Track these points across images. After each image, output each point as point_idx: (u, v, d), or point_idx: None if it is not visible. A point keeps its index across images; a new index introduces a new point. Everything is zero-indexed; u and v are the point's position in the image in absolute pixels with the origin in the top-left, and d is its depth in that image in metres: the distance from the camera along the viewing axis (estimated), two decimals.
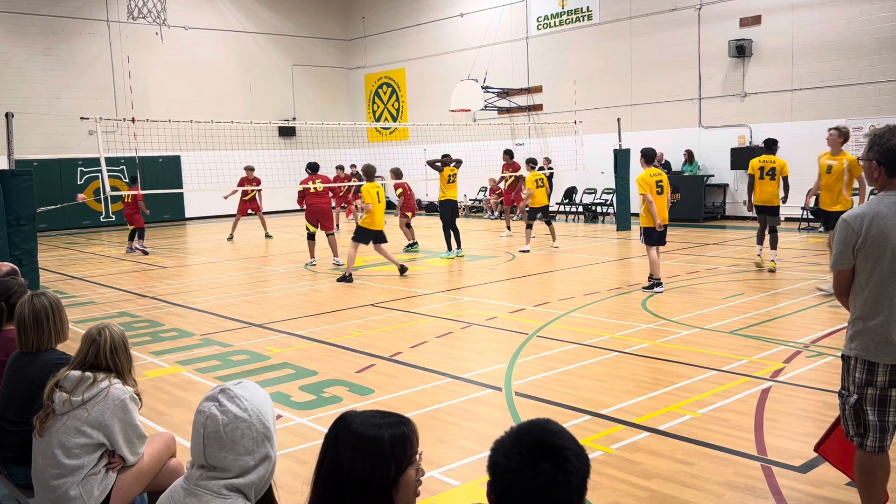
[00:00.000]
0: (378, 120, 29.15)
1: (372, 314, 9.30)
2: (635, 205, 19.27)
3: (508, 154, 18.20)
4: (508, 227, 17.66)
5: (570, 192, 22.32)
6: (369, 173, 12.38)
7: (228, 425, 2.06)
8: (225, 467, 2.08)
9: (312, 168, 14.48)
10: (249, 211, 19.41)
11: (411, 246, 15.54)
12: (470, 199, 25.56)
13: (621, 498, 4.11)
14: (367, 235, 11.99)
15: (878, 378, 3.39)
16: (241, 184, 18.85)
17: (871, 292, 3.40)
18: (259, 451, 2.11)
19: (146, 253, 16.44)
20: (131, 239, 16.82)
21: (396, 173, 15.47)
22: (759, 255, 11.45)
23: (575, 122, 20.04)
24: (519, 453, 1.58)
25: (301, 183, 14.37)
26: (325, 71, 29.45)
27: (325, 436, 1.96)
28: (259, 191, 19.25)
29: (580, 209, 21.93)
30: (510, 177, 17.78)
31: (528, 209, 14.92)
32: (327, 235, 13.94)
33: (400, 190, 16.11)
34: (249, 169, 18.93)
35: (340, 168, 20.82)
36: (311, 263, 13.76)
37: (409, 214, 15.99)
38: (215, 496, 2.07)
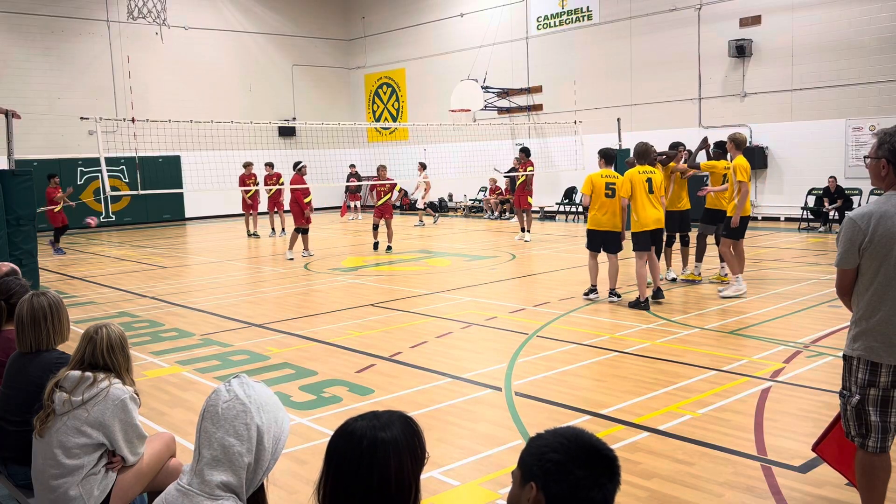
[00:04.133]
0: (378, 120, 29.15)
1: (372, 314, 9.30)
2: None
3: (525, 152, 17.66)
4: (524, 230, 17.20)
5: (569, 192, 22.31)
6: (642, 154, 9.47)
7: (228, 402, 2.09)
8: (212, 448, 2.08)
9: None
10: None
11: (387, 248, 15.45)
12: (470, 199, 25.58)
13: (621, 498, 4.09)
14: (646, 239, 9.34)
15: (881, 378, 3.39)
16: (242, 181, 19.46)
17: (874, 292, 3.39)
18: (248, 442, 2.09)
19: (61, 253, 17.04)
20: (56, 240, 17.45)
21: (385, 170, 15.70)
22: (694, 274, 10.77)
23: (575, 122, 20.04)
24: (582, 453, 1.64)
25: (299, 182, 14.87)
26: (325, 71, 29.45)
27: (348, 455, 1.84)
28: (258, 189, 19.43)
29: (580, 209, 21.93)
30: (521, 175, 17.29)
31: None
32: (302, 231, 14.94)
33: (398, 187, 16.14)
34: (249, 165, 19.76)
35: (270, 165, 20.17)
36: (308, 254, 14.92)
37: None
38: (207, 497, 2.07)
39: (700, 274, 10.69)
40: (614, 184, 9.39)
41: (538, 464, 1.64)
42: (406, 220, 22.83)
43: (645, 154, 9.39)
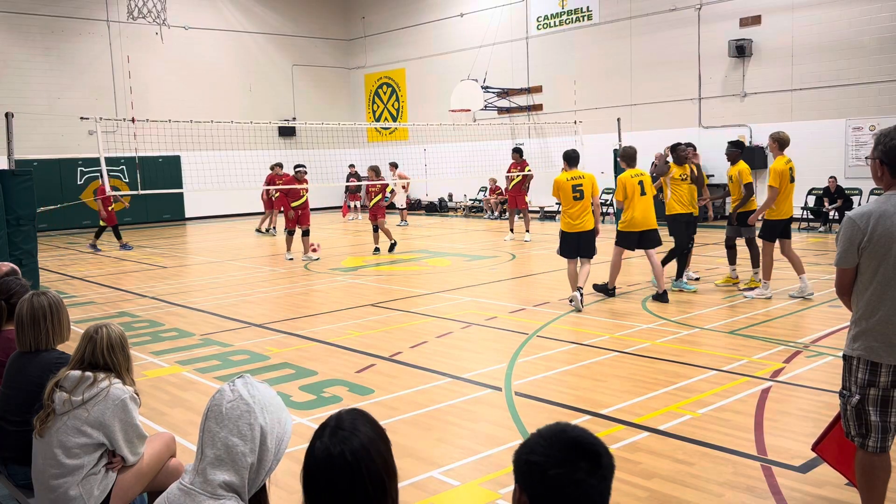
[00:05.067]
0: (378, 120, 29.15)
1: (372, 314, 9.30)
2: None
3: (518, 152, 17.64)
4: (512, 230, 17.24)
5: None
6: (632, 157, 9.87)
7: (232, 402, 2.11)
8: (215, 447, 2.08)
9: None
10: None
11: (390, 248, 15.35)
12: (470, 199, 25.58)
13: (621, 498, 4.11)
14: (631, 239, 9.77)
15: (881, 378, 3.39)
16: (270, 181, 19.64)
17: (874, 292, 3.40)
18: (251, 443, 2.09)
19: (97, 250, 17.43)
20: (97, 236, 17.77)
21: (376, 171, 15.54)
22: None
23: (575, 122, 20.03)
24: (559, 451, 1.62)
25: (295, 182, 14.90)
26: (325, 71, 29.45)
27: (337, 476, 1.82)
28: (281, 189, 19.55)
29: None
30: (517, 176, 17.20)
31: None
32: (297, 233, 14.95)
33: (391, 188, 16.05)
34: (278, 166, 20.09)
35: (279, 166, 20.22)
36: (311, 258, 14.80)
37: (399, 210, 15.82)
38: (209, 496, 2.07)
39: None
40: (581, 184, 9.25)
41: (520, 467, 1.66)
42: (394, 219, 22.80)
43: (633, 157, 9.71)
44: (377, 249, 15.28)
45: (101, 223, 17.42)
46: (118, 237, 17.59)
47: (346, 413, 1.92)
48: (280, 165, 19.97)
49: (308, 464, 1.85)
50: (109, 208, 17.11)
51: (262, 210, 20.99)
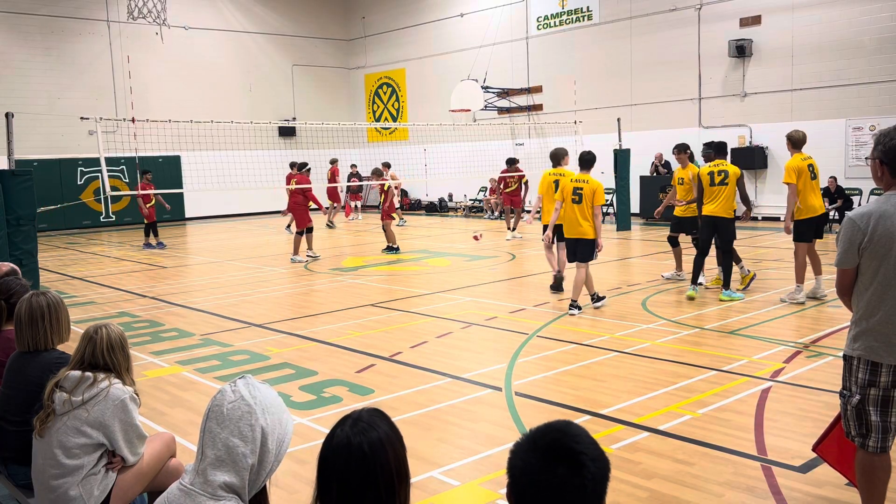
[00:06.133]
0: (378, 120, 29.15)
1: (372, 314, 9.30)
2: (635, 204, 19.42)
3: (510, 163, 18.17)
4: (510, 229, 17.48)
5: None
6: (553, 157, 10.43)
7: (233, 403, 2.10)
8: (216, 448, 2.08)
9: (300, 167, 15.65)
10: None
11: (392, 250, 15.28)
12: (470, 200, 25.58)
13: (621, 498, 4.11)
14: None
15: (882, 378, 3.39)
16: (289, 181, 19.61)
17: (874, 292, 3.40)
18: (252, 444, 2.09)
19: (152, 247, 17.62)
20: (147, 235, 17.96)
21: (377, 172, 15.60)
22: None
23: (575, 122, 20.04)
24: (534, 457, 1.59)
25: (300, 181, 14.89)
26: (325, 71, 29.45)
27: (352, 467, 1.85)
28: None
29: None
30: (514, 184, 17.81)
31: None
32: (297, 233, 14.87)
33: (387, 185, 16.10)
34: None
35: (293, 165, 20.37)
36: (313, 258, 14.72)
37: (395, 216, 15.83)
38: (209, 497, 2.07)
39: (749, 271, 10.21)
40: (582, 188, 8.91)
41: (508, 470, 1.65)
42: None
43: (556, 157, 10.22)
44: (396, 248, 15.22)
45: (146, 221, 17.77)
46: (147, 234, 17.79)
47: (367, 410, 1.96)
48: (293, 164, 20.07)
49: (325, 452, 1.88)
50: (149, 205, 17.33)
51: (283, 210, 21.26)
